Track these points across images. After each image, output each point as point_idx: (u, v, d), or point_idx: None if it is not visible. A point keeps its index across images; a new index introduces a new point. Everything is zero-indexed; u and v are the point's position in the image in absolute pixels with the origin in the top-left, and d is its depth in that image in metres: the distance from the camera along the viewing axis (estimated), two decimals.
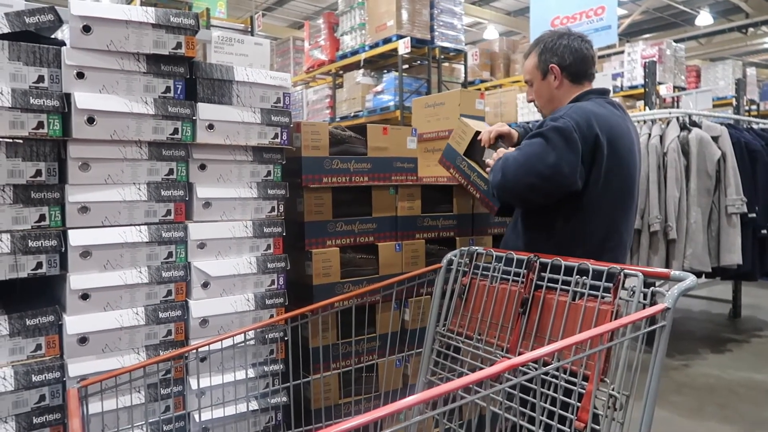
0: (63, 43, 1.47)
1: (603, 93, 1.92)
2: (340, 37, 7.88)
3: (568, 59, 1.86)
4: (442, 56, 7.33)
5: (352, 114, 7.69)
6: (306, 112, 8.80)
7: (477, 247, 1.79)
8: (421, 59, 7.51)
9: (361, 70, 7.63)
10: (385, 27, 6.86)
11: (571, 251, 1.69)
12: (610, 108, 1.85)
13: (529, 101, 2.03)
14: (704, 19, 12.01)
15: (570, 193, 1.73)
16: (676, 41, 9.70)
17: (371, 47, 7.17)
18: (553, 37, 1.91)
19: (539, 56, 1.91)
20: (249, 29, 7.59)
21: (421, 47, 6.96)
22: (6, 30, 1.36)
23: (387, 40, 6.86)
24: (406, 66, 7.50)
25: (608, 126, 1.75)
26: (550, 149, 1.69)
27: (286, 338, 1.75)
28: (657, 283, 1.34)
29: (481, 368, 1.63)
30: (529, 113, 7.77)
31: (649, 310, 1.20)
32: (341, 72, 8.24)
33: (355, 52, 7.50)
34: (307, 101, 8.82)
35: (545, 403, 1.34)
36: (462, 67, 8.07)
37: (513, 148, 1.90)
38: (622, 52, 9.59)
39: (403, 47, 6.58)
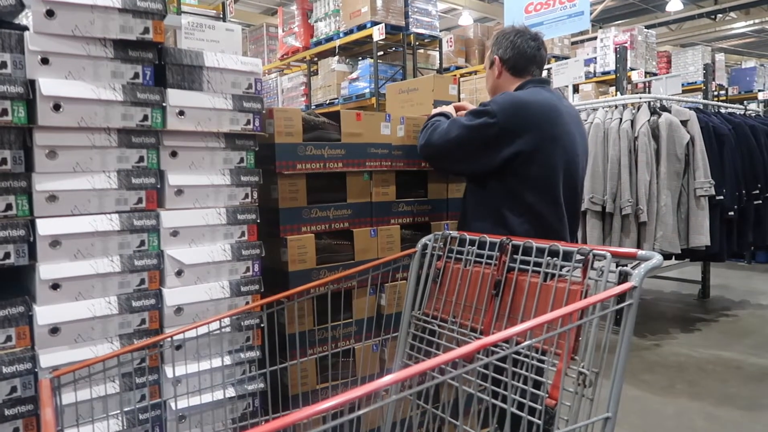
0: (26, 28, 1.43)
1: (542, 82, 2.09)
2: (314, 24, 7.81)
3: (509, 54, 2.08)
4: (417, 43, 7.33)
5: (328, 101, 7.65)
6: (281, 99, 8.72)
7: (451, 231, 1.80)
8: (396, 46, 7.49)
9: (336, 57, 7.59)
10: (360, 13, 6.82)
11: (515, 229, 1.89)
12: (545, 93, 2.02)
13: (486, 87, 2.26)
14: (675, 5, 12.18)
15: (501, 170, 1.92)
16: (647, 27, 9.82)
17: (346, 34, 7.12)
18: (507, 32, 2.12)
19: (492, 47, 2.15)
20: (221, 15, 7.47)
21: (396, 34, 6.94)
22: None
23: (361, 27, 6.82)
24: (381, 53, 7.48)
25: (539, 110, 1.93)
26: (458, 128, 1.93)
27: (262, 325, 1.75)
28: (629, 265, 1.37)
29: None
30: None
31: (616, 289, 1.23)
32: (316, 59, 8.18)
33: (329, 39, 7.45)
34: (281, 89, 8.74)
35: (518, 382, 1.37)
36: (437, 54, 8.07)
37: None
38: (595, 38, 9.69)
39: (378, 34, 6.56)
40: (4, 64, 1.36)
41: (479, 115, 1.92)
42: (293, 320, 1.84)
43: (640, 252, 1.35)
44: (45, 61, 1.41)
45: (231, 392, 1.68)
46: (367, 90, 7.06)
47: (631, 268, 1.31)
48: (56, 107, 1.42)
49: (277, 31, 8.72)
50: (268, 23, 9.56)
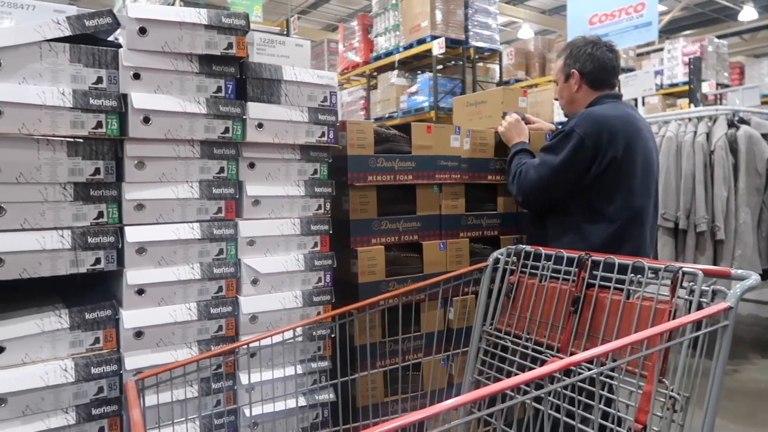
0: (120, 46, 1.51)
1: (617, 97, 2.08)
2: (374, 39, 7.90)
3: (589, 67, 2.03)
4: (477, 56, 7.28)
5: (387, 115, 7.70)
6: (340, 113, 8.81)
7: (525, 246, 1.76)
8: (455, 59, 7.48)
9: (396, 71, 7.63)
10: (420, 28, 6.85)
11: (592, 238, 1.87)
12: (623, 107, 2.01)
13: (555, 99, 2.21)
14: (748, 14, 11.62)
15: (586, 185, 1.91)
16: (718, 37, 9.42)
17: (405, 48, 7.16)
18: (582, 44, 2.07)
19: (565, 60, 2.10)
20: (285, 32, 7.68)
21: (455, 47, 6.92)
22: (68, 33, 1.40)
23: (421, 41, 6.85)
24: (441, 66, 7.47)
25: (620, 124, 1.91)
26: (550, 169, 1.92)
27: (332, 335, 1.76)
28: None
29: (531, 368, 1.61)
30: None
31: (711, 309, 1.16)
32: (375, 73, 8.26)
33: (389, 54, 7.51)
34: (341, 103, 8.87)
35: (599, 403, 1.31)
36: (497, 67, 8.01)
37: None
38: (661, 49, 9.38)
39: (438, 48, 6.56)
40: (100, 80, 1.44)
41: (566, 146, 1.90)
42: (363, 332, 1.84)
43: (735, 271, 1.27)
44: (137, 76, 1.48)
45: (302, 401, 1.69)
46: (426, 103, 7.06)
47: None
48: (146, 120, 1.48)
49: (338, 46, 8.88)
50: (329, 39, 9.76)
